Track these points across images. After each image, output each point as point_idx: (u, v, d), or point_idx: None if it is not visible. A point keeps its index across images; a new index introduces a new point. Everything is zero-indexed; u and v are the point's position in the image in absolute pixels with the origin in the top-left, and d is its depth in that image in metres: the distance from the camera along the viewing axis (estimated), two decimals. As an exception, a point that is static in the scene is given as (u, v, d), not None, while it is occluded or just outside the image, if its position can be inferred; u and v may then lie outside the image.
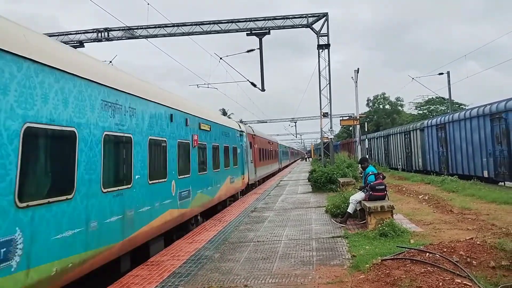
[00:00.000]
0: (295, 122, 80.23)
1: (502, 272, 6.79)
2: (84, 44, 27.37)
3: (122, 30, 27.17)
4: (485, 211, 12.72)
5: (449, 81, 39.34)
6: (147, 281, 7.36)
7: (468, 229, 10.17)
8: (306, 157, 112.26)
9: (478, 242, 7.66)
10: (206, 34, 26.99)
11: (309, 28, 25.87)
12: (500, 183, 21.23)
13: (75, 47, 25.98)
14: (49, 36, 27.18)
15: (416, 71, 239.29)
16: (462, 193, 17.40)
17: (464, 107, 60.14)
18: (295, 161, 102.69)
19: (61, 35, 27.28)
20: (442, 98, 62.82)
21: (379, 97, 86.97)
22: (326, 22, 25.69)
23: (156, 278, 7.55)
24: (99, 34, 27.33)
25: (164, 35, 27.02)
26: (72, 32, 27.67)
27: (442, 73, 40.27)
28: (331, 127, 27.41)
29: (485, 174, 22.27)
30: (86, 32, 27.62)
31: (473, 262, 7.03)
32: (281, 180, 32.56)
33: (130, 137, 8.63)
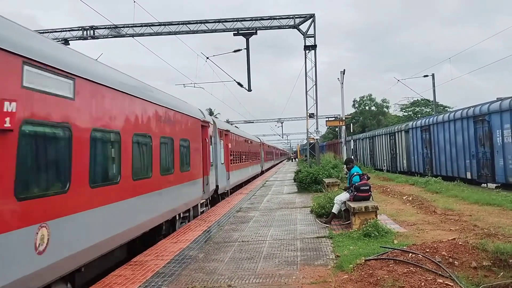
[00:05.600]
0: (282, 123, 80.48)
1: (484, 273, 6.89)
2: (69, 42, 27.09)
3: (108, 28, 26.95)
4: (467, 212, 12.86)
5: (433, 83, 39.77)
6: (130, 281, 7.30)
7: (451, 229, 10.27)
8: (292, 157, 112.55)
9: (460, 243, 7.74)
10: (192, 33, 26.92)
11: (295, 29, 25.94)
12: (482, 184, 21.51)
13: (60, 44, 25.72)
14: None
15: (398, 74, 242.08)
16: (445, 194, 17.57)
17: (448, 109, 60.80)
18: (281, 161, 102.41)
19: (46, 32, 26.96)
20: (427, 100, 63.53)
21: (365, 98, 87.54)
22: (312, 23, 25.78)
23: (139, 278, 7.49)
24: (85, 32, 27.08)
25: (150, 34, 26.87)
26: (57, 30, 27.37)
27: (427, 75, 40.79)
28: (317, 128, 27.53)
29: (468, 176, 22.55)
30: (71, 29, 27.34)
31: (455, 262, 7.12)
32: (267, 181, 32.57)
33: None
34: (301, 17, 26.02)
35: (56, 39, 26.51)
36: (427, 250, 7.41)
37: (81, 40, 27.27)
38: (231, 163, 24.14)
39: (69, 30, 27.33)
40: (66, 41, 26.84)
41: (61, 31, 27.31)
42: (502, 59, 69.53)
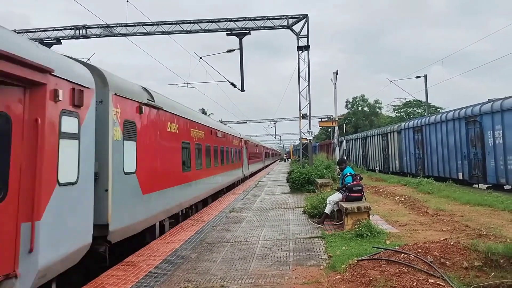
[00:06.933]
0: (275, 123, 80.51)
1: (475, 273, 6.92)
2: (61, 41, 26.94)
3: (101, 27, 26.84)
4: (459, 213, 12.93)
5: (426, 84, 39.94)
6: (122, 282, 7.27)
7: (442, 230, 10.33)
8: (285, 158, 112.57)
9: (452, 243, 7.78)
10: (186, 33, 26.87)
11: (289, 29, 25.97)
12: (474, 185, 21.62)
13: (51, 44, 25.60)
14: (26, 32, 26.61)
15: (390, 75, 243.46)
16: (437, 194, 17.66)
17: (440, 110, 61.12)
18: (274, 161, 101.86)
19: (38, 31, 26.82)
20: (419, 101, 63.84)
21: (358, 99, 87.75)
22: (306, 24, 25.82)
23: (131, 278, 7.46)
24: (77, 31, 26.93)
25: (143, 34, 26.78)
26: (49, 29, 27.21)
27: (419, 76, 40.87)
28: (310, 128, 27.56)
29: (460, 176, 22.66)
30: (63, 28, 27.19)
31: (447, 262, 7.15)
32: (259, 181, 32.57)
33: None
34: (294, 18, 26.05)
35: (48, 38, 26.39)
36: (419, 251, 7.44)
37: (73, 39, 27.12)
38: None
39: (61, 29, 27.17)
40: (58, 40, 26.72)
41: (53, 30, 27.15)
42: (492, 61, 70.03)
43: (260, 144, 63.11)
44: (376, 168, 38.47)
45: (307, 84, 26.28)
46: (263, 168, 60.07)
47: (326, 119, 54.01)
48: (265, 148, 75.03)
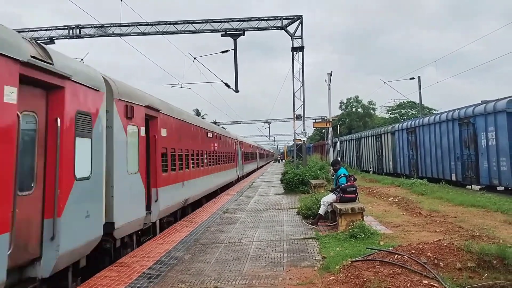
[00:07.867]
0: (269, 124, 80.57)
1: (468, 274, 6.95)
2: (55, 40, 26.81)
3: (95, 27, 26.75)
4: (452, 214, 12.97)
5: (419, 85, 40.12)
6: (116, 283, 7.23)
7: (436, 231, 10.35)
8: (279, 159, 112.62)
9: (445, 244, 7.80)
10: (180, 33, 26.84)
11: (283, 30, 25.99)
12: (467, 186, 21.72)
13: (45, 43, 25.46)
14: (19, 31, 26.55)
15: (384, 76, 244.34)
16: (430, 195, 17.72)
17: (434, 112, 61.38)
18: (267, 163, 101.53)
19: (31, 31, 26.67)
20: (413, 102, 64.08)
21: (352, 100, 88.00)
22: (300, 25, 25.85)
23: (124, 279, 7.42)
24: (71, 31, 26.82)
25: (137, 34, 26.72)
26: (42, 28, 27.09)
27: (413, 78, 41.04)
28: (304, 129, 27.58)
29: (453, 178, 22.75)
30: (57, 28, 27.07)
31: (440, 263, 7.17)
32: (253, 182, 32.56)
33: None
34: (288, 19, 26.08)
35: (41, 37, 26.25)
36: (413, 252, 7.46)
37: (67, 39, 27.01)
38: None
39: (54, 29, 27.06)
40: (51, 40, 26.58)
41: (46, 30, 27.03)
42: (485, 63, 70.47)
43: (254, 144, 62.02)
44: (370, 169, 38.57)
45: (301, 85, 26.32)
46: (258, 169, 61.32)
47: (320, 120, 53.83)
48: (260, 149, 74.37)
